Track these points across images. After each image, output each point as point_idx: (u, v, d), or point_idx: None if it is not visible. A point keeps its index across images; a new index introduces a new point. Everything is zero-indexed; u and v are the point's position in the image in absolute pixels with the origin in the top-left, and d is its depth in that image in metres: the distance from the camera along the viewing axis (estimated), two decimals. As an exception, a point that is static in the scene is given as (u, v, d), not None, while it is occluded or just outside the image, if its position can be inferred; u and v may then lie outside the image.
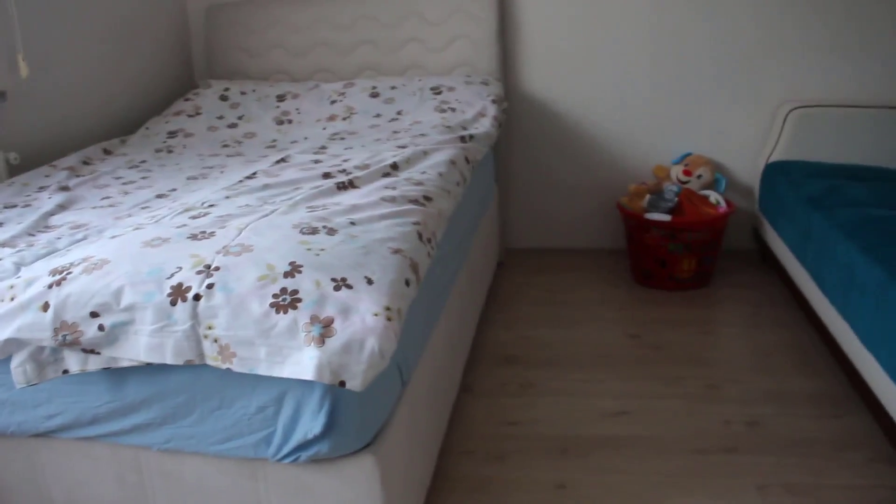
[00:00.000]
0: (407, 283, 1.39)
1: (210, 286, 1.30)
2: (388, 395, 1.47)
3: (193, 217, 1.62)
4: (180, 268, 1.35)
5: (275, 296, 1.28)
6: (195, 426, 1.40)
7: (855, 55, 3.17)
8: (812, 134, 3.11)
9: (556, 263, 3.45)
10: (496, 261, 3.22)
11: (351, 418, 1.33)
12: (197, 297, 1.29)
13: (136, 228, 1.58)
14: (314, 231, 1.48)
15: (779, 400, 2.30)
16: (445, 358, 2.00)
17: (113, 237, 1.55)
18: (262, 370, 1.28)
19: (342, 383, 1.23)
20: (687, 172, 3.21)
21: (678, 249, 3.01)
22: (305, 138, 2.66)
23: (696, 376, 2.45)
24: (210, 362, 1.31)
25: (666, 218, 2.96)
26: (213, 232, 1.49)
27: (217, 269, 1.33)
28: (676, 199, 3.03)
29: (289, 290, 1.29)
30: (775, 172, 3.02)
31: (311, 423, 1.32)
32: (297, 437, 1.34)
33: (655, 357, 2.58)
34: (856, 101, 3.21)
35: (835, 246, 2.26)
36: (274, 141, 2.67)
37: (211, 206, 1.72)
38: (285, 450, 1.37)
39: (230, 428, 1.39)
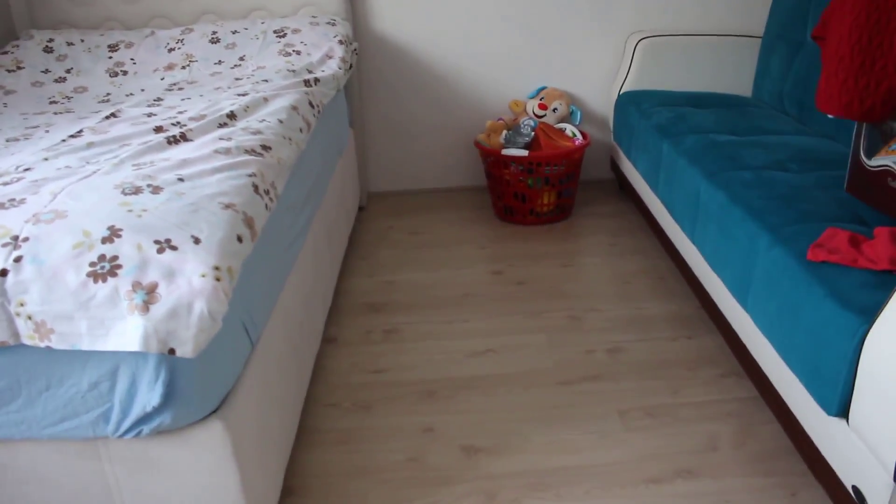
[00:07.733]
0: (240, 238, 1.31)
1: (18, 259, 1.18)
2: (234, 356, 1.41)
3: (5, 184, 1.48)
4: (-16, 242, 1.23)
5: (92, 264, 1.18)
6: (23, 410, 1.29)
7: (697, -18, 3.23)
8: (660, 63, 3.17)
9: (418, 205, 3.42)
10: (357, 206, 3.14)
11: (192, 386, 1.26)
12: (4, 273, 1.17)
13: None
14: (137, 191, 1.37)
15: (638, 326, 2.37)
16: (302, 310, 1.93)
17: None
18: (85, 345, 1.19)
19: (172, 351, 1.16)
20: (542, 106, 3.21)
21: (537, 184, 3.02)
22: (142, 90, 2.49)
23: (558, 308, 2.48)
24: (27, 342, 1.20)
25: (523, 153, 2.95)
26: (24, 199, 1.35)
27: (26, 239, 1.21)
28: (533, 133, 3.03)
29: (108, 257, 1.19)
30: (627, 102, 3.06)
31: (149, 395, 1.24)
32: (136, 411, 1.27)
33: (519, 292, 2.60)
34: (700, 29, 3.28)
35: (682, 173, 2.31)
36: (108, 95, 2.48)
37: (27, 170, 1.57)
38: (125, 425, 1.28)
39: (63, 408, 1.29)
